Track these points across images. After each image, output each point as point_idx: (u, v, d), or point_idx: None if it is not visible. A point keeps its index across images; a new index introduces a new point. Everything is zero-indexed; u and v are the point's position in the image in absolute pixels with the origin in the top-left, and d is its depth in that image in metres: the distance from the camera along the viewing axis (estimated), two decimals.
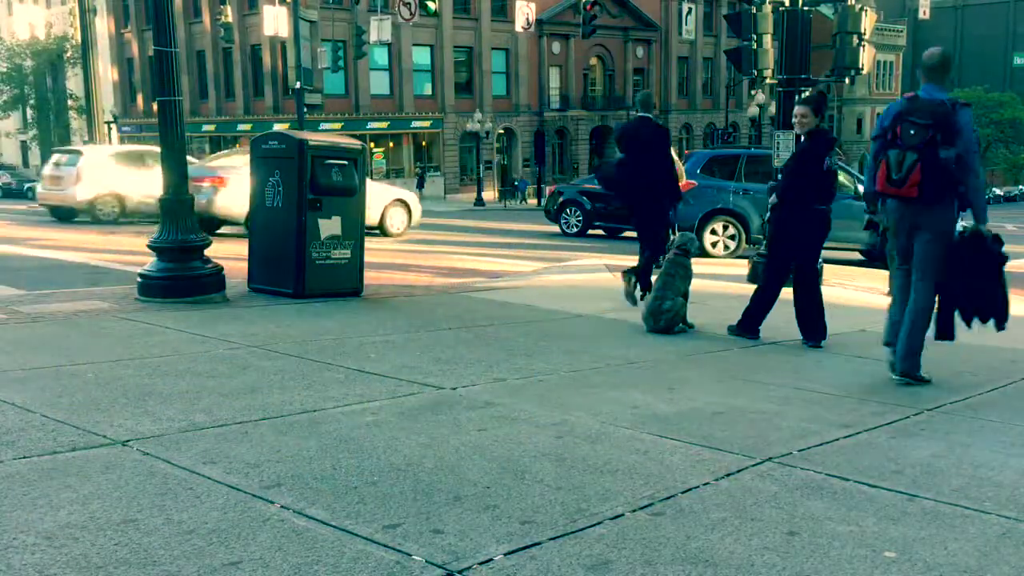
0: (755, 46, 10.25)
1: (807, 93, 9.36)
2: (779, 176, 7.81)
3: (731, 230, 15.41)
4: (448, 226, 23.11)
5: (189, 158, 8.73)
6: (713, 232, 15.41)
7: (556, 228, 21.01)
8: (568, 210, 20.75)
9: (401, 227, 17.92)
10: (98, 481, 3.12)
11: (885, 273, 13.87)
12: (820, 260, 8.11)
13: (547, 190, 22.19)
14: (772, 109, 9.94)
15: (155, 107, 7.53)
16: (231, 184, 14.84)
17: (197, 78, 49.88)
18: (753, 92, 48.98)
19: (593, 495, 3.20)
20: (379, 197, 17.21)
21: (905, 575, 2.67)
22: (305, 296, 7.67)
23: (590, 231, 20.23)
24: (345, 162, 7.90)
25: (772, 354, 6.45)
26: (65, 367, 4.84)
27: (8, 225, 18.23)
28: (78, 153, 19.45)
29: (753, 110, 49.95)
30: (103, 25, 49.55)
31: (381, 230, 17.38)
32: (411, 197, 18.90)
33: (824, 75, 10.88)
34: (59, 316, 6.47)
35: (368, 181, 16.37)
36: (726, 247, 15.35)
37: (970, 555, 2.83)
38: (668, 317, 6.88)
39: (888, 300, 5.77)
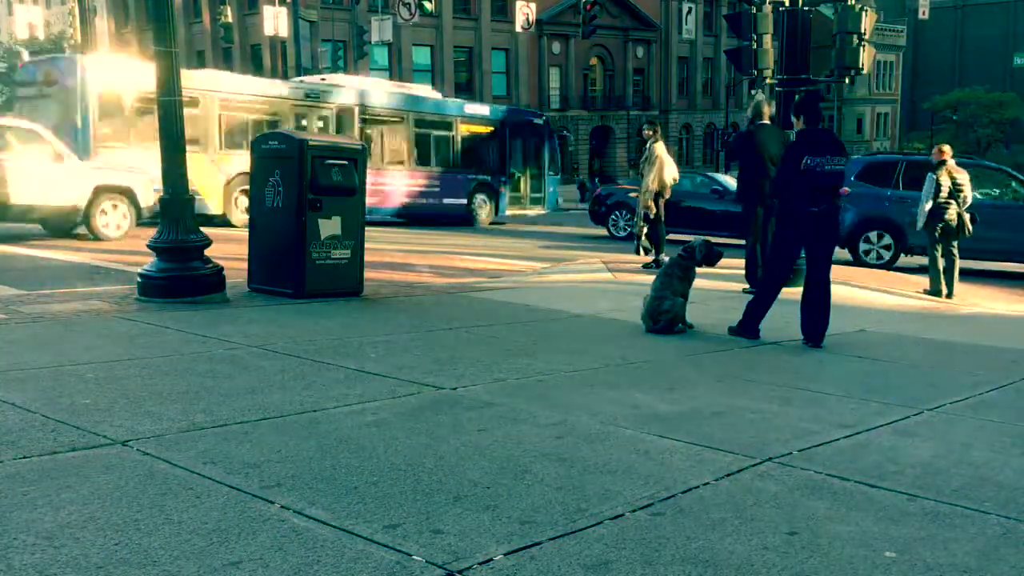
0: (755, 46, 10.24)
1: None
2: None
3: (886, 239, 14.84)
4: (449, 226, 23.10)
5: None
6: (867, 241, 14.92)
7: (587, 230, 20.58)
8: (617, 212, 19.91)
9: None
10: (98, 481, 3.12)
11: (889, 274, 13.83)
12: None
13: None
14: (773, 109, 9.92)
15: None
16: None
17: None
18: (753, 92, 48.91)
19: (593, 495, 3.20)
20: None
21: (905, 575, 2.67)
22: (305, 296, 7.67)
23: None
24: (345, 162, 7.90)
25: (772, 354, 6.45)
26: (65, 367, 4.84)
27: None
28: None
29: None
30: (103, 25, 49.57)
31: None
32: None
33: (824, 75, 10.87)
34: (59, 316, 6.47)
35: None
36: (879, 256, 14.83)
37: (970, 555, 2.83)
38: (667, 317, 6.88)
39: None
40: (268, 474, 3.27)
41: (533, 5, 40.68)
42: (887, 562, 2.75)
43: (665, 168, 12.20)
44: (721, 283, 9.97)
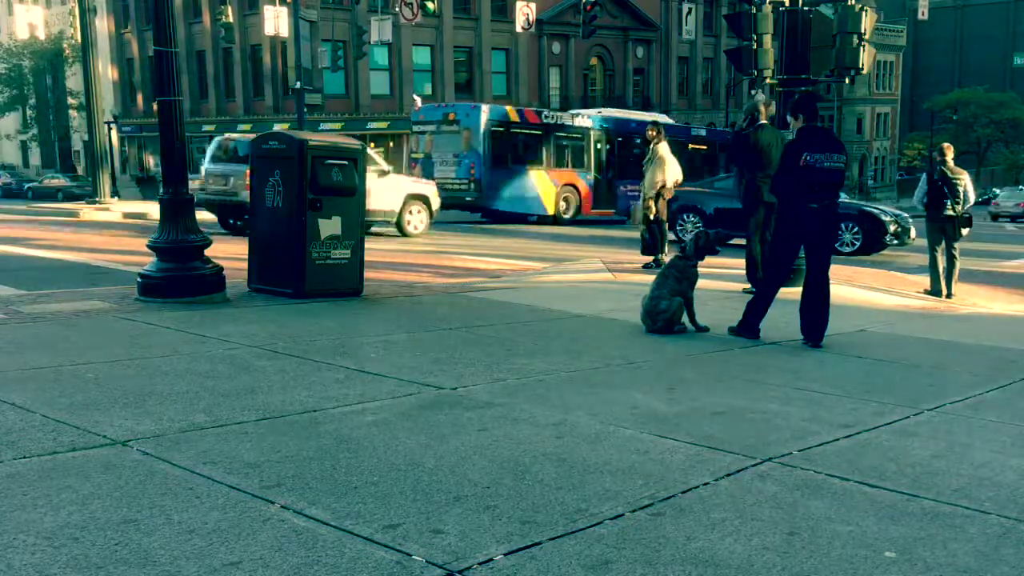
0: (755, 46, 10.23)
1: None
2: None
3: None
4: (449, 226, 23.08)
5: None
6: None
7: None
8: (685, 216, 19.17)
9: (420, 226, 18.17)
10: (98, 481, 3.12)
11: (889, 274, 13.82)
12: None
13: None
14: (772, 109, 9.92)
15: (155, 107, 7.53)
16: None
17: (197, 78, 49.86)
18: (753, 92, 48.93)
19: (593, 495, 3.20)
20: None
21: (905, 575, 2.67)
22: (305, 296, 7.67)
23: None
24: (345, 162, 7.90)
25: (772, 354, 6.45)
26: (65, 367, 4.84)
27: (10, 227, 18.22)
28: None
29: None
30: (103, 25, 49.56)
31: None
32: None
33: (824, 75, 10.87)
34: (59, 316, 6.47)
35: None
36: None
37: (970, 555, 2.83)
38: (665, 317, 6.88)
39: None
40: (268, 474, 3.27)
41: (533, 5, 40.64)
42: (887, 562, 2.75)
43: (667, 168, 12.22)
44: (721, 283, 9.96)
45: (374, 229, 17.84)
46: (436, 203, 18.82)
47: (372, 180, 16.64)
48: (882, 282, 11.85)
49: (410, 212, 17.99)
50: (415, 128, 26.76)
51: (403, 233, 17.71)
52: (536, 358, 5.72)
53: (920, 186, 11.31)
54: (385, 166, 17.94)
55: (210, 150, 17.54)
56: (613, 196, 28.47)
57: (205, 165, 17.33)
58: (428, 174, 23.93)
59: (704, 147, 31.56)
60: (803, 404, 4.79)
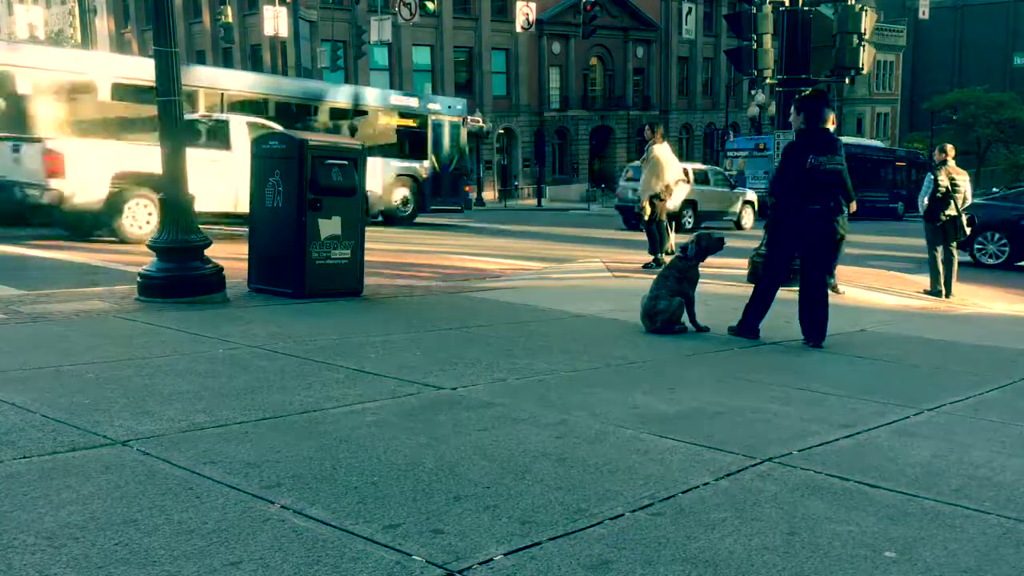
0: (755, 46, 10.23)
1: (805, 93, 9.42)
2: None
3: None
4: (450, 226, 23.10)
5: None
6: None
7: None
8: (987, 235, 16.68)
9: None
10: (98, 481, 3.12)
11: (889, 274, 13.83)
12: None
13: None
14: (772, 109, 9.94)
15: (155, 107, 7.52)
16: None
17: None
18: (753, 92, 49.09)
19: (593, 495, 3.20)
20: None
21: (905, 575, 2.67)
22: (305, 296, 7.67)
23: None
24: (345, 162, 7.90)
25: (772, 354, 6.45)
26: (65, 367, 4.84)
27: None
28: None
29: (753, 110, 49.98)
30: (103, 25, 49.58)
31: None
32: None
33: (824, 75, 10.87)
34: (59, 316, 6.47)
35: None
36: None
37: (970, 555, 2.83)
38: (664, 317, 6.88)
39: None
40: (268, 474, 3.27)
41: (533, 5, 40.67)
42: (887, 562, 2.75)
43: (666, 170, 12.18)
44: (721, 283, 9.97)
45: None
46: (757, 206, 27.66)
47: (726, 189, 27.21)
48: (882, 282, 11.86)
49: (744, 212, 27.51)
50: (729, 153, 38.28)
51: (739, 227, 26.49)
52: (536, 358, 5.72)
53: (925, 187, 11.30)
54: (733, 181, 27.89)
55: (624, 170, 27.52)
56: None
57: (622, 181, 26.43)
58: (740, 186, 32.93)
59: (902, 163, 42.37)
60: (803, 404, 4.79)
